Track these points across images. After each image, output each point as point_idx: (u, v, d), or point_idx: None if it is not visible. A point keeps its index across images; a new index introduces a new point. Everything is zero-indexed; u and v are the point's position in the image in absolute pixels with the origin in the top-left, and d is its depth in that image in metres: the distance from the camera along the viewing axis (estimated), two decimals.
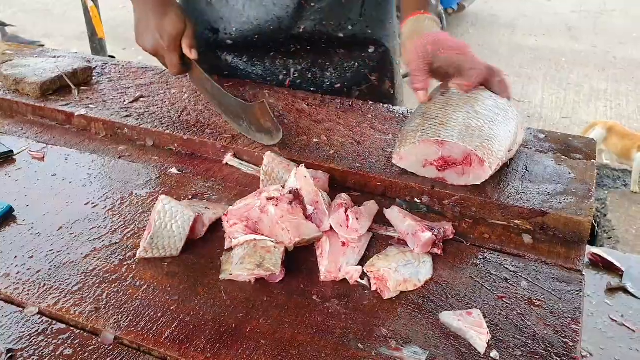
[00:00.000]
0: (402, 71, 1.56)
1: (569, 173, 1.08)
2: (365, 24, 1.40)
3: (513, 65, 5.68)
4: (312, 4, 1.35)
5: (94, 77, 1.46)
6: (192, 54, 1.26)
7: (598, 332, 0.98)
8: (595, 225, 0.99)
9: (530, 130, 1.23)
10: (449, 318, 0.81)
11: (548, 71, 5.55)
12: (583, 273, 0.91)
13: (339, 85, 1.44)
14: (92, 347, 0.77)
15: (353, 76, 1.44)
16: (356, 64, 1.43)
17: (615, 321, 1.00)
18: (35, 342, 0.77)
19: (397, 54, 1.52)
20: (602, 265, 1.13)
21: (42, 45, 5.85)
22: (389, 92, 1.52)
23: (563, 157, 1.13)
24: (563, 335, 0.79)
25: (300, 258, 0.92)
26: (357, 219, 0.95)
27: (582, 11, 7.28)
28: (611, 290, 1.07)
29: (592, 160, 1.12)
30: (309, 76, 1.44)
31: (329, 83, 1.44)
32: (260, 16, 1.37)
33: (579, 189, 1.03)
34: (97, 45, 3.88)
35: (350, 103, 1.33)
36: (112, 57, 4.88)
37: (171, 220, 0.90)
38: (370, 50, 1.44)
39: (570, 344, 0.78)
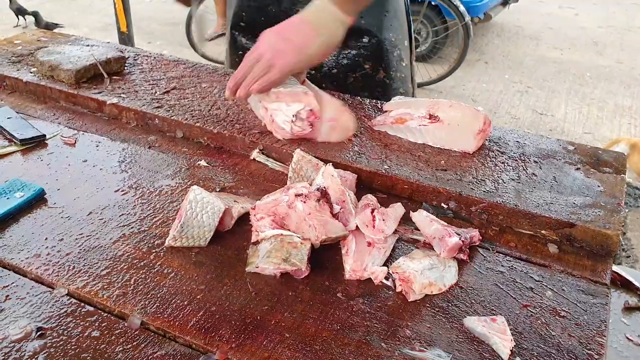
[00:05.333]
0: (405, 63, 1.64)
1: (598, 186, 1.07)
2: (359, 15, 1.45)
3: (537, 78, 5.63)
4: None
5: (126, 68, 1.48)
6: None
7: (613, 350, 0.97)
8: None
9: (560, 141, 1.23)
10: (473, 323, 0.81)
11: (572, 85, 5.50)
12: (609, 287, 0.90)
13: (335, 70, 1.52)
14: (119, 330, 0.78)
15: (348, 63, 1.51)
16: (351, 52, 1.51)
17: (632, 341, 0.99)
18: (64, 322, 0.79)
19: (394, 45, 1.57)
20: (621, 283, 1.12)
21: (62, 26, 5.95)
22: (384, 82, 1.58)
23: (592, 169, 1.13)
24: (588, 348, 0.79)
25: (325, 255, 0.93)
26: (383, 219, 0.96)
27: (609, 26, 7.21)
28: (628, 309, 1.06)
29: (622, 175, 1.11)
30: None
31: (326, 68, 1.52)
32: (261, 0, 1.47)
33: (608, 202, 1.03)
34: (125, 37, 3.92)
35: (379, 105, 1.34)
36: None
37: (202, 211, 0.91)
38: (364, 40, 1.52)
39: (595, 356, 0.77)
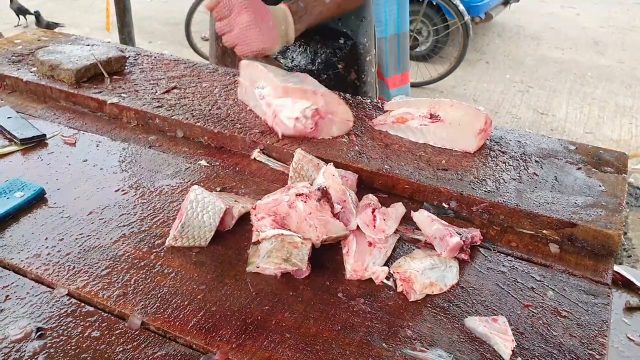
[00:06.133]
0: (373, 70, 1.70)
1: (599, 186, 1.07)
2: (337, 19, 1.54)
3: (538, 78, 5.62)
4: None
5: (126, 67, 1.48)
6: None
7: (614, 350, 0.97)
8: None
9: (561, 141, 1.22)
10: (474, 323, 0.81)
11: (573, 85, 5.49)
12: (610, 287, 0.90)
13: (311, 66, 1.55)
14: (119, 330, 0.78)
15: (323, 61, 1.56)
16: (328, 51, 1.55)
17: (633, 341, 0.99)
18: (64, 322, 0.78)
19: (367, 51, 1.63)
20: (622, 283, 1.12)
21: (63, 25, 5.95)
22: (354, 83, 1.64)
23: (593, 169, 1.13)
24: (589, 348, 0.78)
25: (326, 255, 0.93)
26: (384, 219, 0.95)
27: (611, 26, 7.20)
28: (630, 309, 1.06)
29: (623, 174, 1.11)
30: (287, 54, 1.56)
31: (303, 63, 1.56)
32: None
33: (609, 202, 1.02)
34: (126, 37, 3.91)
35: (380, 105, 1.34)
36: None
37: (203, 211, 0.91)
38: (340, 42, 1.57)
39: (597, 356, 0.77)
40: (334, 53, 1.56)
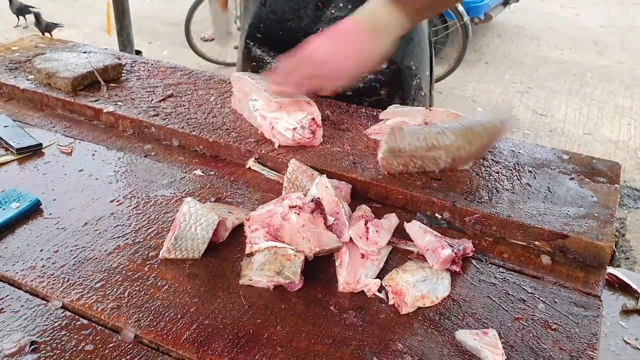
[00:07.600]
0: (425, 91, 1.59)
1: (592, 196, 1.08)
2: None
3: (537, 78, 5.63)
4: (331, 11, 1.42)
5: (123, 75, 1.49)
6: None
7: (611, 354, 0.98)
8: (613, 246, 0.99)
9: (555, 150, 1.23)
10: (465, 336, 0.81)
11: (572, 85, 5.49)
12: (601, 299, 0.91)
13: (350, 93, 1.47)
14: (113, 344, 0.78)
15: (364, 87, 1.47)
16: (368, 76, 1.46)
17: (630, 344, 1.00)
18: (58, 336, 0.79)
19: (415, 74, 1.52)
20: (618, 286, 1.12)
21: (62, 26, 5.96)
22: None
23: (586, 179, 1.13)
24: None
25: (319, 267, 0.93)
26: (377, 231, 0.96)
27: (611, 27, 7.20)
28: (626, 312, 1.06)
29: (616, 185, 1.12)
30: None
31: (341, 90, 1.46)
32: (282, 13, 1.45)
33: (601, 213, 1.03)
34: (125, 39, 3.91)
35: (375, 114, 1.34)
36: (139, 51, 4.93)
37: (196, 223, 0.91)
38: (383, 66, 1.47)
39: None
40: (376, 78, 1.47)
